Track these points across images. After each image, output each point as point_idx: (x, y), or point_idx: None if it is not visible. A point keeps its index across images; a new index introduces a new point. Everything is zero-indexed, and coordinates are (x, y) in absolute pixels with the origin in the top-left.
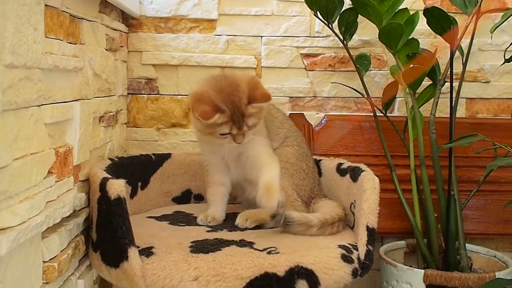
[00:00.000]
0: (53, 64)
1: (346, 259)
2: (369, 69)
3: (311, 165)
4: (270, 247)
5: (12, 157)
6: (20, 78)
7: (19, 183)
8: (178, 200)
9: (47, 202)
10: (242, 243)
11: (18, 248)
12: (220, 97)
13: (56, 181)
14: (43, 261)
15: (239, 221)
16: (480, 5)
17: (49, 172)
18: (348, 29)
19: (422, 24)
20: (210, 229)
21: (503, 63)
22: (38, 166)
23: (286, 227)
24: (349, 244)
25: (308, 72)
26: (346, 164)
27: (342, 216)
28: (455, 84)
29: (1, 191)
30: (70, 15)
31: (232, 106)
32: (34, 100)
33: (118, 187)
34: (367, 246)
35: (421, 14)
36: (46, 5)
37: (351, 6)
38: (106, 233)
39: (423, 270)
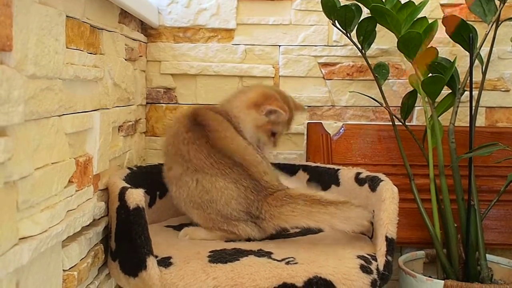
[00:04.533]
0: (74, 74)
1: (365, 269)
2: (388, 78)
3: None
4: (289, 257)
5: (34, 167)
6: (42, 88)
7: (40, 193)
8: None
9: (68, 211)
10: (260, 253)
11: (39, 256)
12: (284, 101)
13: (76, 190)
14: (63, 270)
15: None
16: (499, 13)
17: (70, 182)
18: (366, 38)
19: (441, 33)
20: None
21: None
22: (59, 175)
23: None
24: (368, 254)
25: (326, 81)
26: (365, 173)
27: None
28: (475, 93)
29: (23, 201)
30: (91, 25)
31: (289, 110)
32: (55, 110)
33: (137, 196)
34: (386, 257)
35: (440, 22)
36: (67, 16)
37: (370, 15)
38: (125, 242)
39: (443, 281)
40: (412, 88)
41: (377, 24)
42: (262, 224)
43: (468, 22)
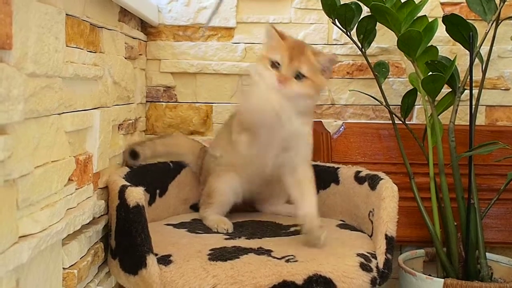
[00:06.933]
0: (74, 72)
1: (365, 267)
2: (388, 76)
3: None
4: (288, 255)
5: (34, 165)
6: (42, 86)
7: (40, 191)
8: (196, 207)
9: (68, 209)
10: (260, 251)
11: (39, 255)
12: (290, 39)
13: (76, 189)
14: (63, 268)
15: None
16: (499, 12)
17: (70, 180)
18: (366, 36)
19: (441, 31)
20: (228, 236)
21: None
22: (59, 173)
23: None
24: (368, 252)
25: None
26: (365, 172)
27: None
28: (475, 91)
29: (23, 199)
30: (90, 24)
31: (294, 45)
32: (55, 108)
33: (136, 194)
34: (385, 255)
35: (440, 21)
36: (67, 14)
37: (370, 13)
38: (124, 240)
39: (442, 279)
40: (412, 87)
41: (377, 23)
42: None
43: (468, 20)
